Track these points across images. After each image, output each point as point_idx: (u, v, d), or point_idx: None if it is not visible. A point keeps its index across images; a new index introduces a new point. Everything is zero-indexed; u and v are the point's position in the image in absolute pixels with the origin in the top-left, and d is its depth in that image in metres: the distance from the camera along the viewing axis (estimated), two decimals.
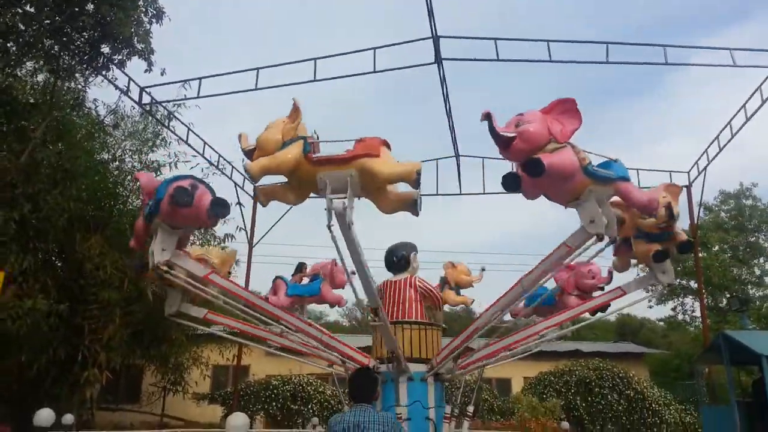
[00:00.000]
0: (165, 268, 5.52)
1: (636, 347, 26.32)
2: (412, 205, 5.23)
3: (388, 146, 5.08)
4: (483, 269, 8.63)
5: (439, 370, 6.35)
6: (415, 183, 4.91)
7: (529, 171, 4.55)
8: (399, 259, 7.13)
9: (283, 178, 5.19)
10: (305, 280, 8.13)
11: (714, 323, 24.74)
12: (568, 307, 7.37)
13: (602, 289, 7.76)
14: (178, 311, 6.43)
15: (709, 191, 31.99)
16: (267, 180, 5.24)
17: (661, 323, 35.21)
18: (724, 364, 11.45)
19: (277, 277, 7.95)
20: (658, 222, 5.68)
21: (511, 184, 4.77)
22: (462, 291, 8.45)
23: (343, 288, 8.06)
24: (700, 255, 24.65)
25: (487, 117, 4.66)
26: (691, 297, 29.20)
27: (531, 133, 4.63)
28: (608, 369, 17.63)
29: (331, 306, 8.10)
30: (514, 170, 4.88)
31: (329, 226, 4.69)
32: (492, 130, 4.66)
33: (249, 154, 5.23)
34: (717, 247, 28.74)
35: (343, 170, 4.85)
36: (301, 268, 8.22)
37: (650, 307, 31.12)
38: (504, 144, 4.68)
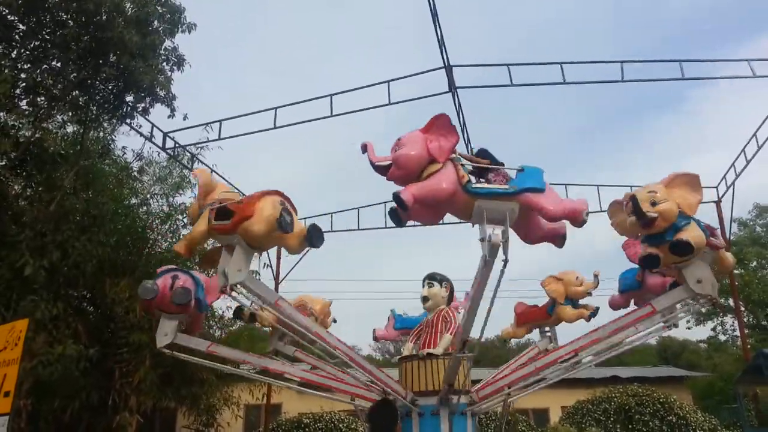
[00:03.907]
0: (168, 351, 5.91)
1: (677, 371, 25.48)
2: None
3: (280, 195, 5.26)
4: (596, 274, 7.96)
5: (481, 405, 6.23)
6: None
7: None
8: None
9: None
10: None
11: (757, 342, 23.87)
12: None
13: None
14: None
15: (744, 206, 31.23)
16: None
17: (704, 345, 34.09)
18: (766, 384, 11.01)
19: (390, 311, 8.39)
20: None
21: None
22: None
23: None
24: (736, 272, 23.96)
25: (363, 148, 4.89)
26: (730, 316, 28.29)
27: (404, 158, 4.77)
28: (648, 394, 17.08)
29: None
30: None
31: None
32: (370, 162, 4.86)
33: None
34: (755, 263, 27.91)
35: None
36: (238, 314, 7.93)
37: (689, 328, 30.21)
38: (381, 172, 4.88)
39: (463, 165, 4.92)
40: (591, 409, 17.36)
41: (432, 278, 7.12)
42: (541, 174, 4.98)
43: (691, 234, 4.86)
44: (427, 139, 4.88)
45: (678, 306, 5.60)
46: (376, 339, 8.89)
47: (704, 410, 18.14)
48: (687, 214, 4.97)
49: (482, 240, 4.59)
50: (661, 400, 16.79)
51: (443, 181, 4.76)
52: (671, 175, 5.11)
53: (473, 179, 4.85)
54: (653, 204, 4.89)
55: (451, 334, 6.53)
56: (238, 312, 7.64)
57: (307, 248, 5.46)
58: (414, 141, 4.86)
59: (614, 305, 7.03)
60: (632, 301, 6.94)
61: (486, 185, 4.83)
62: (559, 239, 5.37)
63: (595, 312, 7.77)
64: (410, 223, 5.28)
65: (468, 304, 5.31)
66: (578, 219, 4.91)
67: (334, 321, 8.20)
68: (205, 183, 5.53)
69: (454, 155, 4.99)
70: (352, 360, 6.05)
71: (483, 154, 5.21)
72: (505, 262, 4.57)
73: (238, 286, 5.23)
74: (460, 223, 6.39)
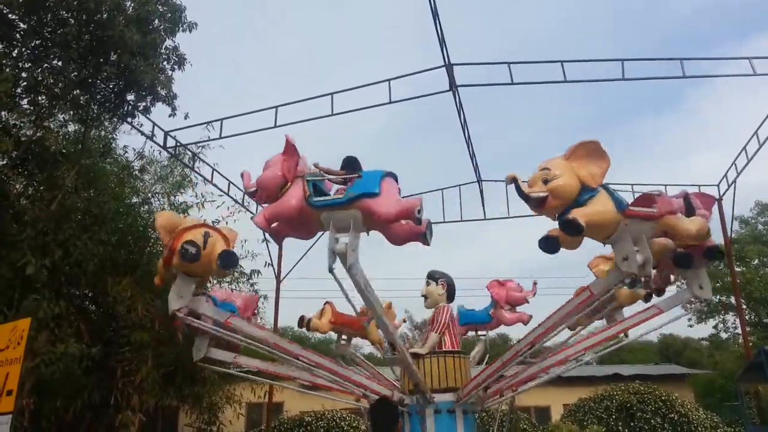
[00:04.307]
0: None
1: (678, 368, 25.48)
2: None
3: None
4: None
5: (469, 400, 6.22)
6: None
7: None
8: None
9: None
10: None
11: (759, 339, 23.87)
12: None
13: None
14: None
15: (746, 204, 31.20)
16: None
17: (705, 342, 34.09)
18: None
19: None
20: None
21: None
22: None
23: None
24: (738, 269, 23.96)
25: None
26: (732, 314, 28.28)
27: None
28: (650, 392, 17.08)
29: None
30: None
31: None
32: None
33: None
34: (756, 261, 27.88)
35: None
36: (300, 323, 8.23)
37: (690, 326, 30.22)
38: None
39: (308, 181, 5.08)
40: (593, 407, 17.37)
41: (430, 276, 7.19)
42: (378, 178, 4.91)
43: (592, 209, 4.47)
44: (283, 159, 5.10)
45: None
46: None
47: (706, 408, 18.14)
48: (591, 186, 4.58)
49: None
50: (663, 397, 16.79)
51: (292, 198, 4.99)
52: (571, 147, 4.74)
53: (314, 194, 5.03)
54: (545, 182, 4.57)
55: (436, 333, 6.60)
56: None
57: (229, 271, 5.87)
58: (274, 163, 5.10)
59: None
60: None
61: (324, 198, 4.98)
62: (420, 237, 5.35)
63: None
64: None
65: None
66: (413, 216, 4.84)
67: (404, 321, 8.52)
68: (163, 224, 5.83)
69: (307, 171, 5.22)
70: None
71: (347, 163, 5.26)
72: (349, 267, 4.69)
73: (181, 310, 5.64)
74: (467, 221, 6.41)
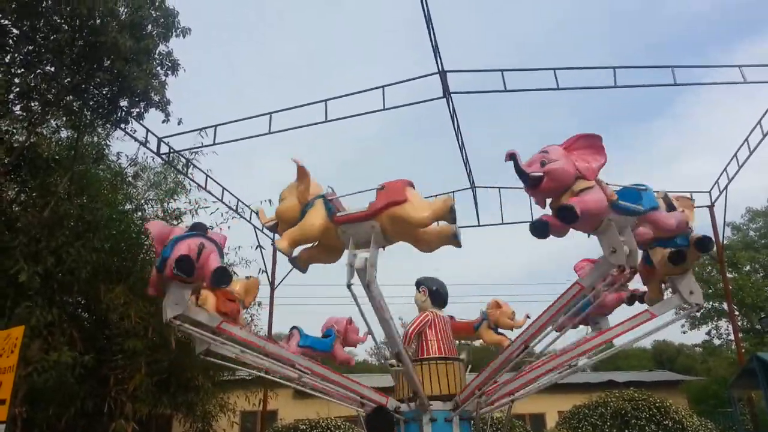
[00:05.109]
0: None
1: (672, 375, 25.56)
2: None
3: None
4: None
5: (464, 408, 6.18)
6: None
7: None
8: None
9: None
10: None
11: (751, 346, 23.95)
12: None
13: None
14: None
15: (737, 210, 31.41)
16: None
17: (698, 348, 34.21)
18: (760, 388, 11.04)
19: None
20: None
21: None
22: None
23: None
24: (730, 276, 24.08)
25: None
26: (725, 320, 28.39)
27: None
28: (644, 399, 17.07)
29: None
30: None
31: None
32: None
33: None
34: (748, 267, 28.03)
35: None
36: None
37: (684, 332, 30.33)
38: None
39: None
40: (587, 414, 17.33)
41: (415, 283, 7.17)
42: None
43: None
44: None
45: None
46: None
47: (699, 414, 18.15)
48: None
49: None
50: (657, 404, 16.79)
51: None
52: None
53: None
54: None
55: (405, 344, 6.62)
56: None
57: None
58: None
59: None
60: None
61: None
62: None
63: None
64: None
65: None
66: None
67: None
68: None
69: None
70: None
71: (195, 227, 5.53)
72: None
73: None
74: (461, 227, 6.38)
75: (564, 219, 4.48)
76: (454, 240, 5.16)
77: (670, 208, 5.33)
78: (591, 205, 4.46)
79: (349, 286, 4.67)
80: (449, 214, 4.81)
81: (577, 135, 4.78)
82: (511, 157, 4.62)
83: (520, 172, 4.60)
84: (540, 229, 4.67)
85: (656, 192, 5.41)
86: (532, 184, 4.62)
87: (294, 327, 7.95)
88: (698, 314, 27.98)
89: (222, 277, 5.27)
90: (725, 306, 26.25)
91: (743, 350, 16.90)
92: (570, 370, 6.67)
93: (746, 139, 12.61)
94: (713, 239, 4.49)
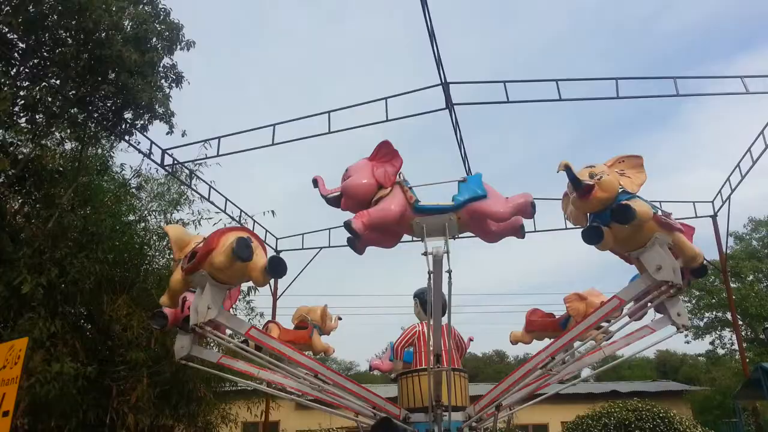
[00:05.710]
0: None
1: (675, 385, 25.40)
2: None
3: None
4: (340, 318, 8.31)
5: (474, 419, 6.14)
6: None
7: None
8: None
9: None
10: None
11: (756, 356, 23.84)
12: None
13: None
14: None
15: (740, 220, 31.34)
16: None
17: (702, 358, 34.06)
18: (765, 398, 10.99)
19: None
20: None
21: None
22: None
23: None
24: (733, 286, 24.01)
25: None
26: (728, 330, 28.29)
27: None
28: (648, 409, 17.00)
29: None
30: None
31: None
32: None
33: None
34: (752, 277, 27.96)
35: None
36: None
37: (687, 342, 30.22)
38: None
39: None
40: (591, 424, 17.28)
41: (413, 295, 7.21)
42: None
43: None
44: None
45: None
46: None
47: (704, 425, 18.06)
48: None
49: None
50: (661, 414, 16.72)
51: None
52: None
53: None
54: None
55: (395, 357, 6.66)
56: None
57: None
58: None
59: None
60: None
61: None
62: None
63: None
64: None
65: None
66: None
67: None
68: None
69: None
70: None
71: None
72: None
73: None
74: (463, 237, 6.39)
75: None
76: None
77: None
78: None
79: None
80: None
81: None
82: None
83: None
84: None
85: None
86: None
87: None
88: (701, 324, 27.86)
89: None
90: (729, 316, 26.19)
91: (747, 360, 16.80)
92: (573, 382, 6.67)
93: (749, 149, 12.63)
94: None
